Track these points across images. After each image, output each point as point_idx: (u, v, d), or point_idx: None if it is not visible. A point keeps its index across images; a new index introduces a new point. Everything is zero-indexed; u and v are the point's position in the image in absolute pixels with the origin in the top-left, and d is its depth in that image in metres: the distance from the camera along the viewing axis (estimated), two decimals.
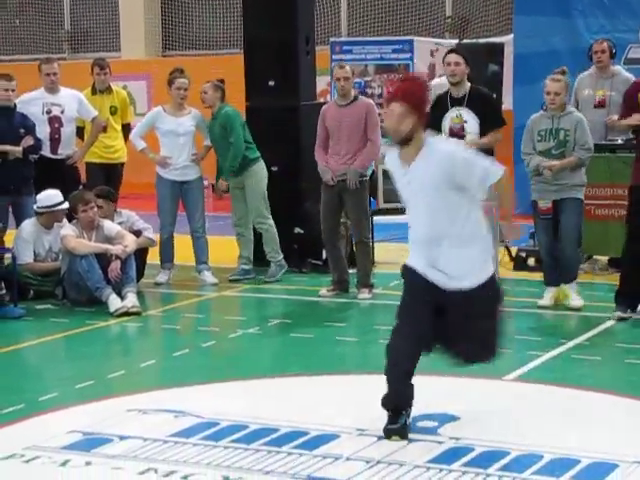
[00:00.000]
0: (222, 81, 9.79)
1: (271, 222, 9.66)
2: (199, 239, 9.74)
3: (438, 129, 8.44)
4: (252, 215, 9.66)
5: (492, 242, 8.69)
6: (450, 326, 5.21)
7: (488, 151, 8.37)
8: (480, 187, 5.20)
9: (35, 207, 8.95)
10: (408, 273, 5.30)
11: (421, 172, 5.16)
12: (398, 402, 5.23)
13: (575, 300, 8.12)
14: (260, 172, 9.65)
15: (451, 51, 8.67)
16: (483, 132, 8.36)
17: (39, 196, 8.96)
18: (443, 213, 5.16)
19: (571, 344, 7.10)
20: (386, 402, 5.24)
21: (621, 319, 7.65)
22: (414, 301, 5.23)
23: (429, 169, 5.13)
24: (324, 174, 8.87)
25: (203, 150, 9.87)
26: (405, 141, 5.16)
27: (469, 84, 8.42)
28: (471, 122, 8.32)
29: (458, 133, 8.32)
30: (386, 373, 5.23)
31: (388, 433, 5.18)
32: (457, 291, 5.17)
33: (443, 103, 8.44)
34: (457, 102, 8.38)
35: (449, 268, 5.17)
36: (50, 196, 8.91)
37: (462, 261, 5.17)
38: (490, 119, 8.39)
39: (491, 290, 5.26)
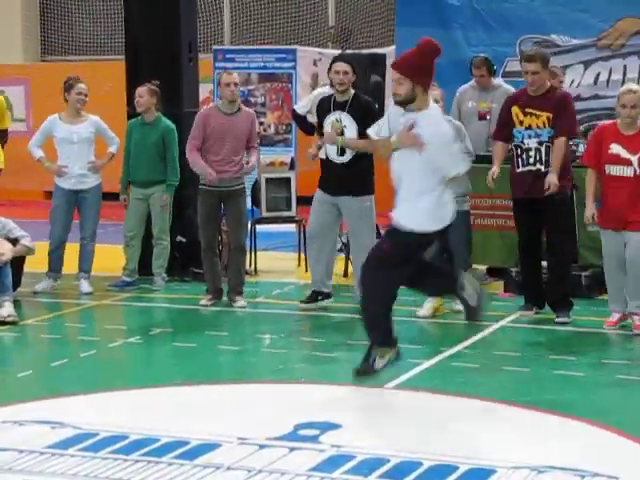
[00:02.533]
0: (159, 86, 9.47)
1: (169, 240, 9.63)
2: (85, 247, 9.56)
3: (321, 130, 8.55)
4: (156, 229, 9.58)
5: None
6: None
7: (364, 156, 8.44)
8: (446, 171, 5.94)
9: None
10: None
11: (424, 126, 5.86)
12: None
13: (458, 305, 8.23)
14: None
15: (340, 59, 8.56)
16: (361, 138, 8.41)
17: None
18: (413, 169, 5.90)
19: (450, 352, 7.19)
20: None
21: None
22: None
23: (425, 131, 5.85)
24: (205, 171, 8.73)
25: (105, 157, 9.66)
26: (404, 103, 5.98)
27: (353, 91, 8.48)
28: (350, 127, 8.37)
29: None
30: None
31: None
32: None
33: (326, 106, 8.50)
34: (340, 106, 8.43)
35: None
36: None
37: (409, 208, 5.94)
38: (369, 126, 8.44)
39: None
